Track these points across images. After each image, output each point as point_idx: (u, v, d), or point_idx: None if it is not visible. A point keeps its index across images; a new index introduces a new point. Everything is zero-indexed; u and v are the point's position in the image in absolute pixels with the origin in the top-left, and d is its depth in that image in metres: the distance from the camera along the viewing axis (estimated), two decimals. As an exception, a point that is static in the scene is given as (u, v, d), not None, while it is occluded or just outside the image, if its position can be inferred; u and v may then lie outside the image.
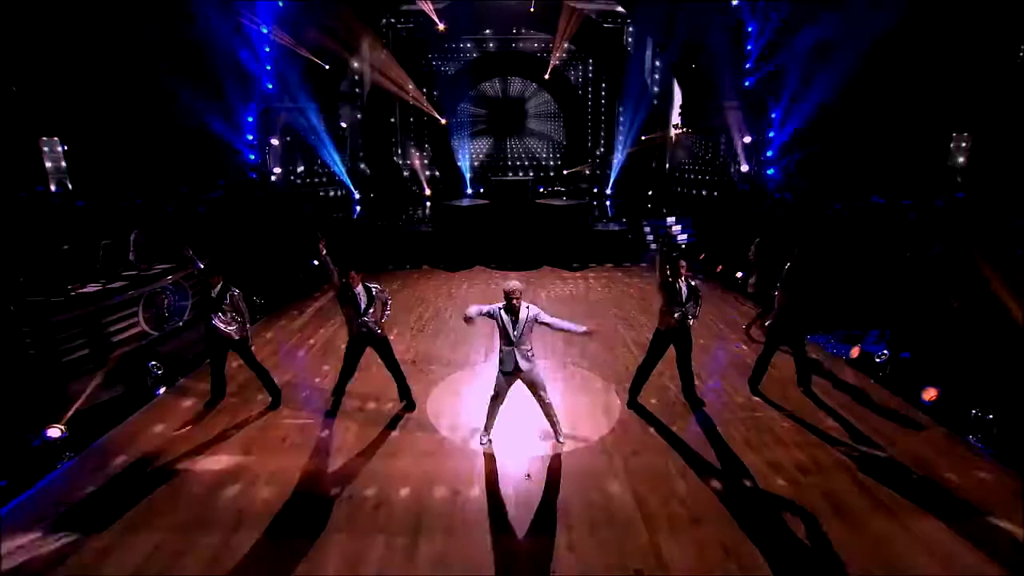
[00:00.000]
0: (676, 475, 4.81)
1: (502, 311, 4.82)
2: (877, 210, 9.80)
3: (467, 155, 16.39)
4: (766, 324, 6.57)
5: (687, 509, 4.36)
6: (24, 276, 6.98)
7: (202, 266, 5.74)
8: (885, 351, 6.90)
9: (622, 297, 10.36)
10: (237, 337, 5.72)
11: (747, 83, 13.62)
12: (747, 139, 13.75)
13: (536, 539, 4.09)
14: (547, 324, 4.86)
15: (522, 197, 13.73)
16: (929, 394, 5.95)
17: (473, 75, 16.82)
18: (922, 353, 6.73)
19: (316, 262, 5.66)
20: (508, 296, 4.79)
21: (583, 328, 4.92)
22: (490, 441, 5.25)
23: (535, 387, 5.07)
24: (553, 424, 5.27)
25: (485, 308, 4.90)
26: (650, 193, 15.56)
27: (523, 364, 4.90)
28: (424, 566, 3.82)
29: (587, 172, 16.36)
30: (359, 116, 15.82)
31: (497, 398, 5.12)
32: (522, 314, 4.80)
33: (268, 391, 6.00)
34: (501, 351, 4.94)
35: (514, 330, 4.81)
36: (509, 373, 4.96)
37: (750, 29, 13.43)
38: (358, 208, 15.42)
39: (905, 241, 8.37)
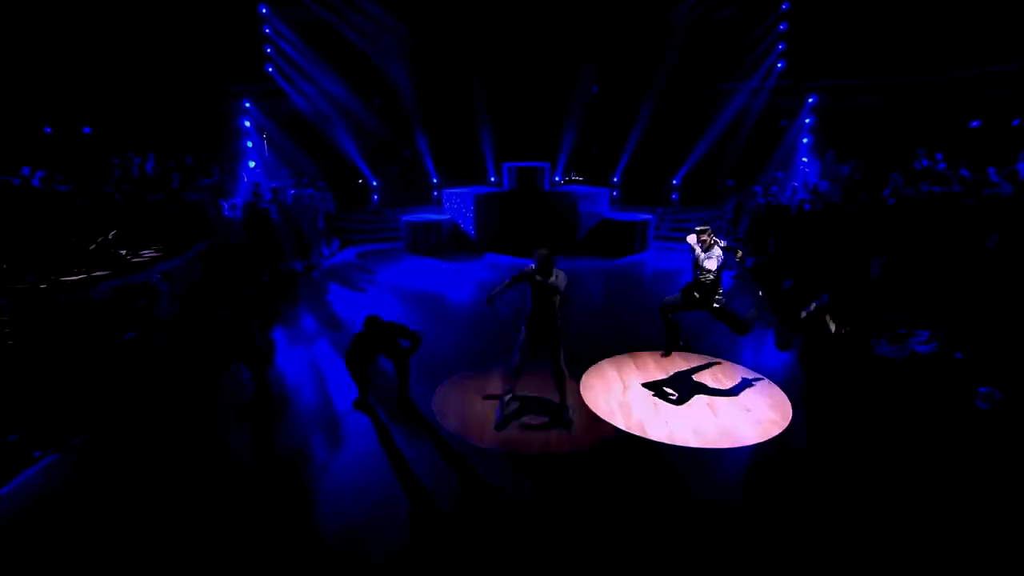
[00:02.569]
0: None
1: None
2: (929, 197, 9.57)
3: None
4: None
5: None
6: (6, 264, 7.15)
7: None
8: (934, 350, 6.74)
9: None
10: None
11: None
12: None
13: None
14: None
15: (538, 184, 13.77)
16: (986, 398, 5.79)
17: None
18: (977, 353, 6.55)
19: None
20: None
21: None
22: (511, 399, 5.76)
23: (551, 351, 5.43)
24: (562, 398, 5.61)
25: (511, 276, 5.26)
26: (674, 183, 15.39)
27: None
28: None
29: (581, 179, 16.43)
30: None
31: (521, 352, 5.46)
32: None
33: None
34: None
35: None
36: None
37: None
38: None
39: (961, 230, 8.17)
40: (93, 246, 8.31)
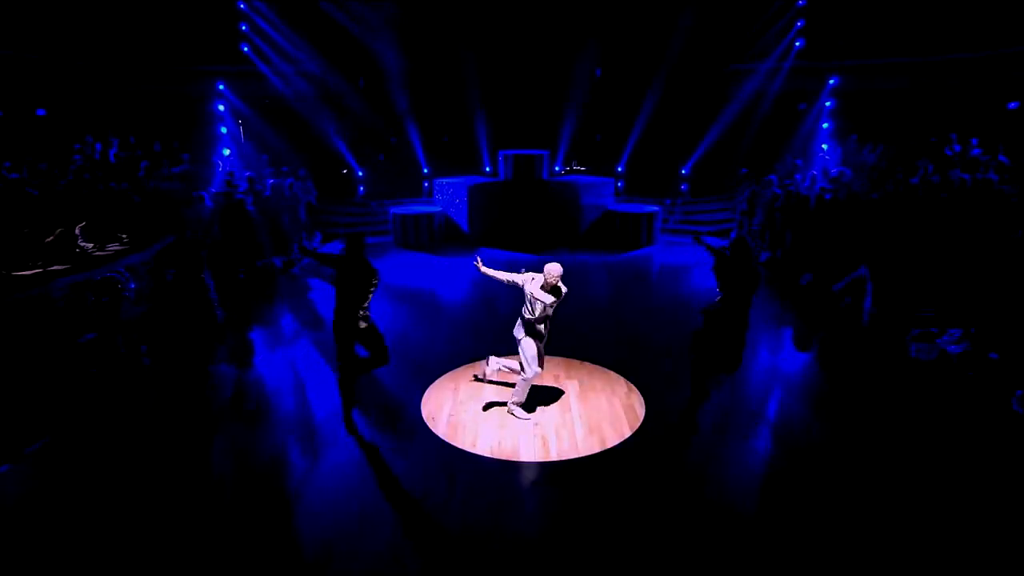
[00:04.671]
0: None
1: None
2: (962, 185, 9.57)
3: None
4: None
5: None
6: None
7: None
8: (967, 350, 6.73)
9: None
10: None
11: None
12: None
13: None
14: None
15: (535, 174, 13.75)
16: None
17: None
18: (1015, 353, 6.54)
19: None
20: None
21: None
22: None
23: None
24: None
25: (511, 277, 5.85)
26: (684, 172, 15.35)
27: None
28: None
29: (583, 169, 16.55)
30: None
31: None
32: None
33: None
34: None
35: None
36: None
37: None
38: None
39: (998, 221, 8.17)
40: (51, 238, 8.22)
